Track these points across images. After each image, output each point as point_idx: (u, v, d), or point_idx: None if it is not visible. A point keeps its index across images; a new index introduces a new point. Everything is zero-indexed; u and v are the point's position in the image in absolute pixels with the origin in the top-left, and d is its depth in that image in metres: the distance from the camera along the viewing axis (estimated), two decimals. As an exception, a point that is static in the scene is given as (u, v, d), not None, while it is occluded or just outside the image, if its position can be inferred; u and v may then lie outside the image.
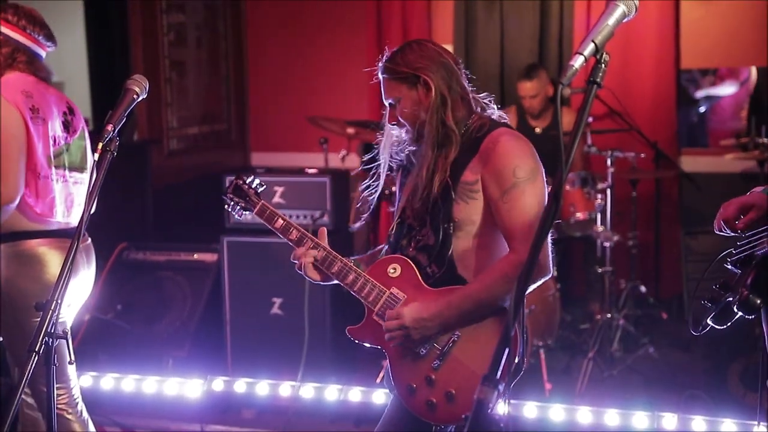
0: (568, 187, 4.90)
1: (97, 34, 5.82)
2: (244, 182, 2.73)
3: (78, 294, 3.14)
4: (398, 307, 2.43)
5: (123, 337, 4.67)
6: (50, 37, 3.13)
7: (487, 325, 2.39)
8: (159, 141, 6.06)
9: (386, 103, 2.53)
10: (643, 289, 5.36)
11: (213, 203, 4.86)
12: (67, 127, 3.14)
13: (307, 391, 4.32)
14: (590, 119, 5.40)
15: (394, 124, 2.53)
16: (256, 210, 2.69)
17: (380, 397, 4.16)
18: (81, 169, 3.19)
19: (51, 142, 3.04)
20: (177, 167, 6.22)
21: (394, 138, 2.60)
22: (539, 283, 2.40)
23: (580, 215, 4.95)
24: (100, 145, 2.24)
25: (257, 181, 2.74)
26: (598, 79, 1.68)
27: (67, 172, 3.10)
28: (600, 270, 4.98)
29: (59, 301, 2.05)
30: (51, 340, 2.04)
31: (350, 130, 5.38)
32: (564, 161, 1.59)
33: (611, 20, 1.72)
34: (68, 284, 2.12)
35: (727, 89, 6.26)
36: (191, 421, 4.33)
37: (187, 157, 6.37)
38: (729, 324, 2.12)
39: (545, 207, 1.58)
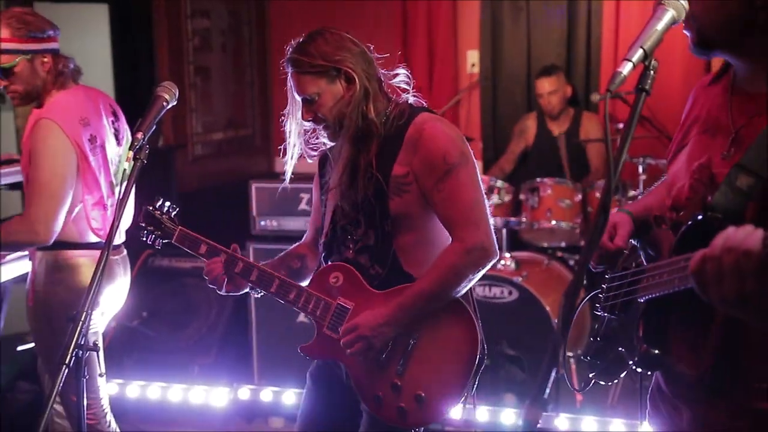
0: (597, 194, 4.82)
1: (121, 39, 5.81)
2: (155, 208, 2.59)
3: (113, 302, 3.12)
4: (352, 319, 2.34)
5: (149, 344, 4.65)
6: (56, 27, 3.01)
7: (443, 321, 2.33)
8: (184, 146, 6.03)
9: (298, 99, 2.39)
10: (673, 296, 5.25)
11: (238, 209, 4.83)
12: (117, 136, 3.11)
13: (334, 400, 4.27)
14: (619, 125, 5.32)
15: (310, 121, 2.40)
16: (175, 237, 2.59)
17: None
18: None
19: (111, 165, 3.00)
20: (202, 173, 6.19)
21: (305, 126, 2.47)
22: (487, 268, 2.32)
23: (610, 222, 4.86)
24: (131, 153, 2.21)
25: (168, 204, 2.61)
26: (647, 87, 1.63)
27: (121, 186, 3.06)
28: (630, 277, 4.88)
29: (90, 312, 2.01)
30: (81, 352, 2.00)
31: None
32: (612, 171, 1.52)
33: (660, 25, 1.66)
34: (100, 293, 2.08)
35: None
36: (217, 430, 4.30)
37: (212, 162, 6.34)
38: (617, 380, 1.86)
39: (593, 218, 1.52)
